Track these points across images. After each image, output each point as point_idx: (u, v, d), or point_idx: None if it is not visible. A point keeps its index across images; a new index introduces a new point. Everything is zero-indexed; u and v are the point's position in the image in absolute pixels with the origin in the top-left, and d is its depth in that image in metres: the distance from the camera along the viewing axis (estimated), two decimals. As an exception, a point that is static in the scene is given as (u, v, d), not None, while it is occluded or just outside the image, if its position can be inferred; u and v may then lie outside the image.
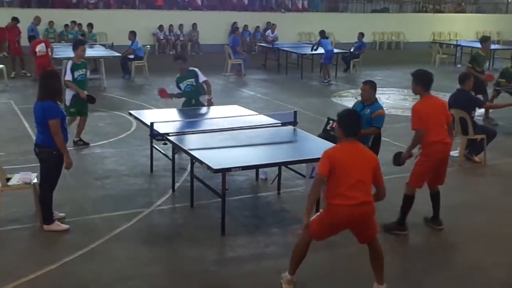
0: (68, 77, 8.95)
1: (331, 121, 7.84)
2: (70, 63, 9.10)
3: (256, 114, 8.56)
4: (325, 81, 16.50)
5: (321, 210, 4.87)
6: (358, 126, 4.76)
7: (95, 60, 16.06)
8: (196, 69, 8.79)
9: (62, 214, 6.32)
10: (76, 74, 9.02)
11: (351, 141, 4.68)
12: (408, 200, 6.21)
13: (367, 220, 4.67)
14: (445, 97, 12.50)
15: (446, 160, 6.24)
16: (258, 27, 23.73)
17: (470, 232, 6.36)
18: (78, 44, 9.36)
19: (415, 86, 6.20)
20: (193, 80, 8.66)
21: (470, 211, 7.01)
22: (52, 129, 5.73)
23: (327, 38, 17.04)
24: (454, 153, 8.93)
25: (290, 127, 7.59)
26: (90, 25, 19.94)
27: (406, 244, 6.08)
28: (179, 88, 8.83)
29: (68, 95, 8.98)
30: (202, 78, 8.70)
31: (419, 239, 6.22)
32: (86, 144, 9.23)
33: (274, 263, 5.47)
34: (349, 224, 4.67)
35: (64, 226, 6.09)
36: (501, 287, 5.17)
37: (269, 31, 23.09)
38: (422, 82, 6.15)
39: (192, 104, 8.76)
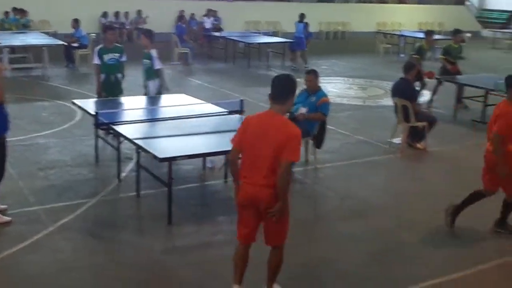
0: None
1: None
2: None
3: (203, 103, 8.55)
4: (293, 66, 17.17)
5: None
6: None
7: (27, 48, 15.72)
8: (122, 47, 9.10)
9: (4, 206, 6.17)
10: (106, 58, 8.87)
11: None
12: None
13: None
14: (388, 85, 12.84)
15: None
16: (206, 15, 23.58)
17: (411, 218, 6.57)
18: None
19: None
20: (119, 55, 8.87)
21: (413, 197, 7.23)
22: None
23: (300, 22, 17.62)
24: (396, 140, 9.20)
25: (237, 115, 7.62)
26: (21, 11, 18.96)
27: (345, 231, 6.21)
28: (100, 58, 8.82)
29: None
30: (124, 58, 8.97)
31: (357, 227, 6.36)
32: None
33: (220, 251, 5.51)
34: None
35: (6, 218, 5.94)
36: (436, 270, 5.36)
37: (205, 18, 22.91)
38: None
39: (111, 82, 8.85)
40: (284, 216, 4.27)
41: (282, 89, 4.30)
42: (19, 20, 18.87)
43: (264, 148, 4.15)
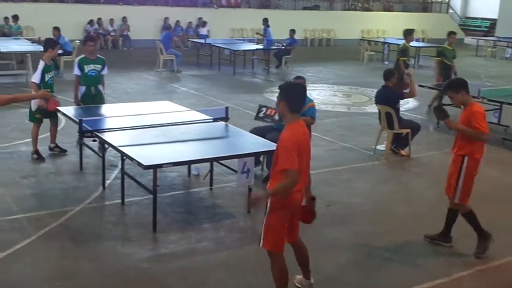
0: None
1: (263, 108, 7.95)
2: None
3: (188, 110, 8.55)
4: (266, 68, 18.23)
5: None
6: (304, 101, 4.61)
7: (22, 54, 15.60)
8: (105, 59, 9.00)
9: (-14, 215, 6.13)
10: (47, 77, 8.33)
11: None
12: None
13: None
14: (372, 93, 12.93)
15: None
16: (190, 22, 23.65)
17: (395, 223, 6.61)
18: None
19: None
20: (100, 67, 8.79)
21: (397, 203, 7.27)
22: None
23: (269, 26, 18.90)
24: (380, 147, 9.26)
25: (222, 123, 7.63)
26: (15, 17, 19.54)
27: (330, 237, 6.24)
28: (81, 69, 8.66)
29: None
30: (106, 70, 8.94)
31: (341, 232, 6.38)
32: (63, 151, 8.54)
33: (205, 258, 5.51)
34: None
35: (-11, 227, 5.90)
36: (419, 276, 5.40)
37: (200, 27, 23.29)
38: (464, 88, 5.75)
39: (91, 94, 8.71)
40: None
41: (304, 100, 4.58)
42: (11, 26, 19.39)
43: (309, 155, 4.55)
